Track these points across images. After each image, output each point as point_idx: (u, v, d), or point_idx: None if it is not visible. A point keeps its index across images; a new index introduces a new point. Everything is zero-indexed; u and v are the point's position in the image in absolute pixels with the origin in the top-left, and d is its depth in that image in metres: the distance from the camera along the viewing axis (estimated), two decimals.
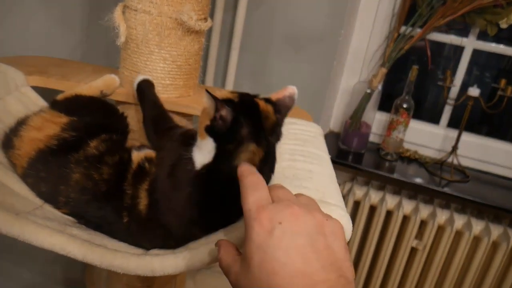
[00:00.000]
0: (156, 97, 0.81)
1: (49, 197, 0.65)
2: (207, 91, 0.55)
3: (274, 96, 0.62)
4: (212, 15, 1.47)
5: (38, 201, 0.65)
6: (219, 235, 0.56)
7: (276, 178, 0.58)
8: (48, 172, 0.65)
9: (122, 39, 0.80)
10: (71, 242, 0.55)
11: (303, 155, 0.66)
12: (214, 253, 0.53)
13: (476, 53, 1.54)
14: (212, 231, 0.60)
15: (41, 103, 0.84)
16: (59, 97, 0.79)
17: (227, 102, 0.58)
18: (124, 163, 0.66)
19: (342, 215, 0.52)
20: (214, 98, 0.55)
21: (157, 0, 0.78)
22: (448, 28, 1.51)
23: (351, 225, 0.52)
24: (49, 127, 0.69)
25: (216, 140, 0.58)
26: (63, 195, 0.64)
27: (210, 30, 1.49)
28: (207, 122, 0.58)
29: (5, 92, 0.79)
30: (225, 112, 0.56)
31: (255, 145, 0.57)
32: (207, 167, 0.59)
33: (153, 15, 0.78)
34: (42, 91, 0.88)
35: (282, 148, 0.68)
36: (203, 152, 0.59)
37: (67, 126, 0.69)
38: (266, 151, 0.58)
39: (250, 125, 0.58)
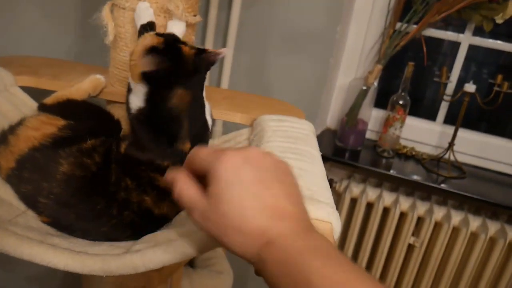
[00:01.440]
0: None
1: (30, 199, 0.65)
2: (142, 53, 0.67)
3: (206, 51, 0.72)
4: (206, 13, 1.46)
5: (22, 206, 0.65)
6: (194, 227, 0.55)
7: None
8: (33, 170, 0.66)
9: (110, 37, 0.80)
10: (51, 252, 0.54)
11: (294, 152, 0.65)
12: (195, 244, 0.52)
13: (473, 49, 1.53)
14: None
15: (31, 103, 0.84)
16: (48, 100, 0.79)
17: (154, 49, 0.68)
18: (112, 151, 0.71)
19: (331, 213, 0.52)
20: (146, 55, 0.66)
21: None
22: (445, 24, 1.50)
23: (340, 222, 0.51)
24: (46, 128, 0.71)
25: (149, 86, 0.69)
26: (44, 194, 0.64)
27: (204, 29, 1.48)
28: (141, 69, 0.68)
29: None
30: (160, 63, 0.67)
31: (183, 90, 0.69)
32: (141, 109, 0.70)
33: None
34: (33, 91, 0.87)
35: (273, 146, 0.67)
36: (137, 98, 0.71)
37: (64, 127, 0.71)
38: (192, 91, 0.70)
39: (175, 72, 0.68)
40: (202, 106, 0.75)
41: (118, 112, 0.87)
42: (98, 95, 0.86)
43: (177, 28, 0.79)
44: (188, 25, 0.79)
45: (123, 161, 0.71)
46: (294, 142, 0.69)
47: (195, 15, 0.82)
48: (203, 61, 0.71)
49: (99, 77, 0.85)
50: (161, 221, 0.70)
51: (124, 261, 0.54)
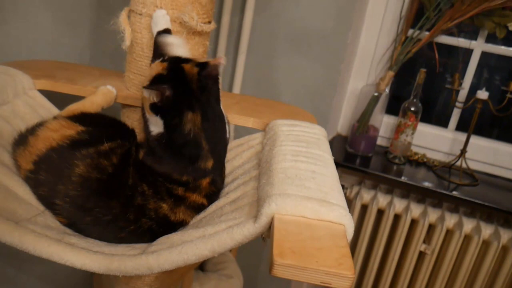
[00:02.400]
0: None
1: (47, 200, 0.67)
2: (144, 87, 0.69)
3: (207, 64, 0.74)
4: (219, 19, 1.48)
5: (40, 206, 0.67)
6: (208, 229, 0.56)
7: (278, 179, 0.58)
8: (50, 172, 0.68)
9: (127, 43, 0.81)
10: (69, 251, 0.56)
11: (306, 156, 0.66)
12: (209, 246, 0.53)
13: (485, 55, 1.53)
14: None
15: (48, 106, 0.86)
16: (63, 113, 0.81)
17: (158, 78, 0.71)
18: (130, 154, 0.74)
19: (343, 215, 0.52)
20: (151, 88, 0.69)
21: (162, 4, 0.79)
22: (457, 31, 1.50)
23: (353, 224, 0.52)
24: (65, 130, 0.73)
25: (161, 116, 0.71)
26: (60, 196, 0.65)
27: (217, 34, 1.50)
28: (148, 102, 0.71)
29: (13, 96, 0.80)
30: (164, 94, 0.69)
31: (191, 112, 0.70)
32: (161, 134, 0.73)
33: None
34: (50, 94, 0.89)
35: (285, 149, 0.68)
36: (155, 125, 0.73)
37: (82, 132, 0.73)
38: (202, 112, 0.71)
39: (181, 97, 0.70)
40: (220, 119, 0.76)
41: (133, 116, 0.89)
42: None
43: (160, 20, 0.80)
44: (203, 33, 0.81)
45: (141, 167, 0.72)
46: (306, 146, 0.70)
47: (209, 22, 0.83)
48: (207, 77, 0.72)
49: (111, 89, 0.87)
50: (178, 226, 0.71)
51: (139, 261, 0.55)
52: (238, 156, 0.80)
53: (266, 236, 0.54)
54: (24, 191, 0.66)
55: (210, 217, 0.66)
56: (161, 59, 0.75)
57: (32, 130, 0.73)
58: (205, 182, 0.72)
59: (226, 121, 0.78)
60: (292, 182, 0.57)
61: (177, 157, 0.72)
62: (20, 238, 0.55)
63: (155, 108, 0.71)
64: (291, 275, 0.45)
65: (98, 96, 0.85)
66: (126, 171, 0.71)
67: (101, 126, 0.79)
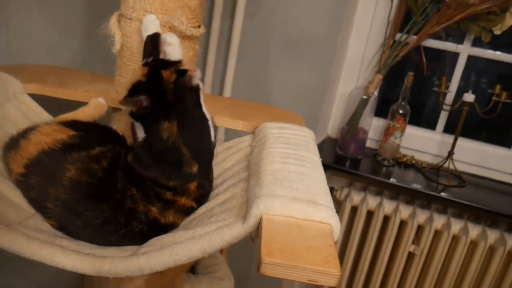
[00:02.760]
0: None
1: (37, 204, 0.67)
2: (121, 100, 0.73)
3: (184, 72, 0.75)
4: (209, 23, 1.49)
5: (31, 209, 0.67)
6: (198, 231, 0.57)
7: (267, 180, 0.59)
8: (41, 176, 0.68)
9: (117, 47, 0.82)
10: (60, 253, 0.57)
11: (295, 158, 0.67)
12: (200, 247, 0.54)
13: (472, 59, 1.55)
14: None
15: (39, 110, 0.86)
16: (56, 120, 0.82)
17: (137, 86, 0.73)
18: (120, 158, 0.75)
19: (330, 215, 0.54)
20: (125, 102, 0.73)
21: (151, 8, 0.80)
22: (445, 35, 1.53)
23: (339, 224, 0.53)
24: (57, 135, 0.74)
25: (141, 123, 0.74)
26: (51, 199, 0.66)
27: (208, 38, 1.51)
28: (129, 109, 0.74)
29: (4, 100, 0.81)
30: (139, 105, 0.72)
31: (167, 122, 0.72)
32: (144, 140, 0.74)
33: None
34: (41, 99, 0.90)
35: (274, 152, 0.69)
36: (139, 130, 0.75)
37: (74, 136, 0.74)
38: (178, 121, 0.73)
39: (157, 106, 0.72)
40: (201, 125, 0.77)
41: (124, 119, 0.90)
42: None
43: (150, 24, 0.81)
44: (192, 37, 0.82)
45: (129, 171, 0.73)
46: (295, 148, 0.71)
47: (199, 26, 0.84)
48: (182, 87, 0.74)
49: (102, 101, 0.88)
50: (168, 228, 0.72)
51: (130, 263, 0.55)
52: (228, 158, 0.81)
53: (254, 236, 0.55)
54: (14, 195, 0.67)
55: (200, 219, 0.67)
56: (145, 61, 0.77)
57: (24, 134, 0.73)
58: (192, 186, 0.73)
59: (210, 125, 0.79)
60: (281, 184, 0.58)
61: (161, 163, 0.73)
62: (12, 241, 0.55)
63: (134, 116, 0.74)
64: (279, 274, 0.46)
65: (90, 108, 0.87)
66: (116, 174, 0.72)
67: (92, 132, 0.80)
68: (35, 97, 0.89)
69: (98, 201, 0.69)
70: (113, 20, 0.83)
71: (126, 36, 0.84)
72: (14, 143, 0.72)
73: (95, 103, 0.88)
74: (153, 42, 0.79)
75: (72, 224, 0.67)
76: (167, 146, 0.72)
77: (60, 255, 0.55)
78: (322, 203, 0.55)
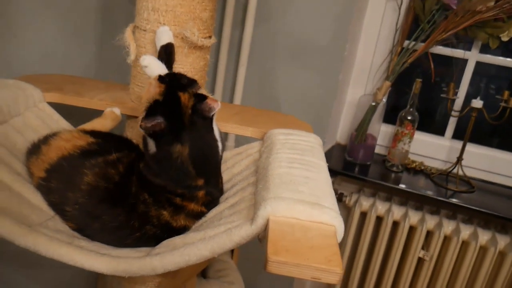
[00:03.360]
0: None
1: (57, 207, 0.71)
2: (140, 125, 0.73)
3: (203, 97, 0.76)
4: (220, 32, 1.53)
5: (51, 211, 0.71)
6: (208, 232, 0.60)
7: (274, 184, 0.62)
8: (60, 180, 0.72)
9: (132, 57, 0.86)
10: (79, 253, 0.60)
11: (301, 163, 0.70)
12: (209, 247, 0.57)
13: (481, 64, 1.56)
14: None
15: (57, 117, 0.90)
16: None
17: (154, 106, 0.74)
18: (134, 164, 0.77)
19: (334, 217, 0.56)
20: (145, 127, 0.73)
21: (165, 20, 0.83)
22: (456, 41, 1.54)
23: (343, 225, 0.56)
24: (77, 141, 0.77)
25: (154, 139, 0.75)
26: (70, 203, 0.69)
27: (218, 47, 1.55)
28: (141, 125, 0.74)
29: (25, 108, 0.85)
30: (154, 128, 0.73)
31: (180, 145, 0.73)
32: (155, 154, 0.76)
33: None
34: (58, 107, 0.94)
35: (281, 157, 0.72)
36: (151, 144, 0.76)
37: (92, 143, 0.77)
38: (190, 144, 0.74)
39: (173, 130, 0.73)
40: (211, 148, 0.79)
41: (137, 126, 0.93)
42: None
43: (164, 35, 0.84)
44: (203, 47, 0.85)
45: (142, 176, 0.76)
46: (301, 153, 0.73)
47: (210, 37, 0.88)
48: (199, 114, 0.75)
49: (116, 111, 0.91)
50: (180, 231, 0.75)
51: (144, 263, 0.58)
52: (237, 164, 0.84)
53: (262, 237, 0.57)
54: (35, 198, 0.70)
55: (210, 221, 0.70)
56: (159, 77, 0.77)
57: (45, 140, 0.77)
58: (200, 193, 0.76)
59: (219, 144, 0.80)
60: (287, 187, 0.61)
61: (169, 176, 0.76)
62: (34, 241, 0.58)
63: (149, 134, 0.75)
64: (285, 271, 0.48)
65: (106, 118, 0.91)
66: (131, 179, 0.75)
67: (109, 140, 0.84)
68: (53, 105, 0.93)
69: (114, 205, 0.72)
70: (128, 31, 0.87)
71: (140, 47, 0.88)
72: (35, 149, 0.76)
73: (111, 114, 0.91)
74: (166, 52, 0.83)
75: (89, 227, 0.70)
76: (175, 165, 0.74)
77: (78, 254, 0.59)
78: (326, 205, 0.57)
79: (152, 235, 0.72)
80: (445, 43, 1.54)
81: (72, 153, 0.74)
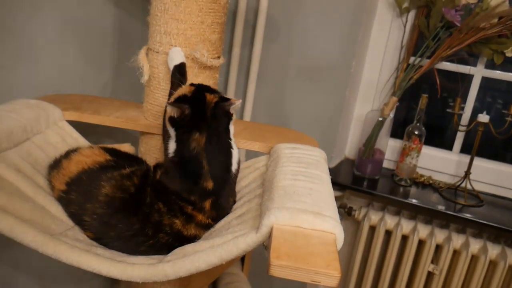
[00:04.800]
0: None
1: (76, 217, 0.76)
2: (169, 101, 0.81)
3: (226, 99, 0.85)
4: (230, 51, 1.58)
5: (71, 222, 0.76)
6: (217, 240, 0.63)
7: (278, 195, 0.66)
8: (80, 192, 0.77)
9: (145, 77, 0.91)
10: (95, 260, 0.64)
11: (305, 175, 0.73)
12: (218, 255, 0.60)
13: (488, 79, 1.59)
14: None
15: (76, 135, 0.96)
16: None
17: (182, 97, 0.82)
18: (148, 176, 0.83)
19: (335, 225, 0.59)
20: (173, 103, 0.80)
21: (176, 43, 0.89)
22: (459, 57, 1.57)
23: (343, 234, 0.59)
24: (96, 157, 0.83)
25: (175, 129, 0.82)
26: (89, 213, 0.74)
27: (228, 65, 1.60)
28: (169, 114, 0.82)
29: (46, 126, 0.91)
30: (179, 114, 0.80)
31: (198, 134, 0.80)
32: (174, 152, 0.83)
33: None
34: (76, 124, 0.99)
35: (286, 170, 0.76)
36: (171, 143, 0.83)
37: (110, 160, 0.83)
38: (207, 135, 0.81)
39: (195, 118, 0.81)
40: (225, 149, 0.85)
41: (151, 142, 0.98)
42: None
43: (176, 55, 0.91)
44: (213, 67, 0.90)
45: (157, 187, 0.81)
46: (306, 167, 0.77)
47: (219, 57, 0.93)
48: (219, 109, 0.83)
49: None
50: (191, 240, 0.79)
51: (157, 269, 0.62)
52: (245, 177, 0.88)
53: (266, 244, 0.61)
54: (56, 209, 0.75)
55: (219, 231, 0.74)
56: (191, 83, 0.87)
57: (66, 155, 0.83)
58: (207, 204, 0.80)
59: (234, 153, 0.86)
60: (291, 198, 0.64)
61: (185, 175, 0.81)
62: (54, 249, 0.63)
63: (173, 121, 0.82)
64: (286, 275, 0.52)
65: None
66: (145, 190, 0.80)
67: (124, 157, 0.90)
68: (72, 123, 0.99)
69: (130, 214, 0.76)
70: (142, 53, 0.92)
71: (153, 68, 0.93)
72: (57, 163, 0.82)
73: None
74: (179, 71, 0.89)
75: (106, 236, 0.75)
76: (191, 156, 0.80)
77: (96, 261, 0.63)
78: (327, 215, 0.61)
79: (164, 243, 0.76)
80: (450, 59, 1.57)
81: (91, 168, 0.79)
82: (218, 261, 0.61)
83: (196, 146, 0.80)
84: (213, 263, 0.61)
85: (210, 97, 0.82)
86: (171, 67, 0.89)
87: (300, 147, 0.87)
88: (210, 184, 0.80)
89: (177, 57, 0.89)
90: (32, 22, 1.03)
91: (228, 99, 0.83)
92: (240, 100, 0.85)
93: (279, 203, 0.63)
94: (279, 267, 0.52)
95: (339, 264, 0.52)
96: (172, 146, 0.83)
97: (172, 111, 0.80)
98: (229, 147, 0.85)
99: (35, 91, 1.08)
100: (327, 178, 0.76)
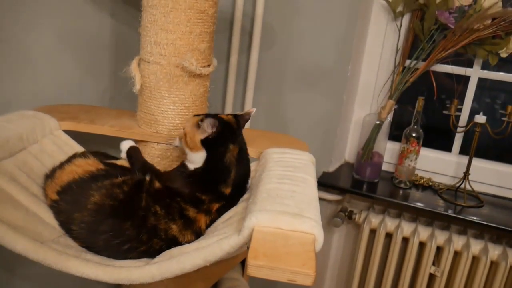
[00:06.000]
0: (143, 159, 1.01)
1: (65, 226, 0.79)
2: (205, 116, 0.86)
3: (239, 114, 0.93)
4: (228, 58, 1.61)
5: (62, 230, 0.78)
6: (202, 243, 0.65)
7: (261, 198, 0.68)
8: (68, 202, 0.79)
9: (137, 86, 0.94)
10: (84, 265, 0.67)
11: (290, 179, 0.75)
12: (203, 257, 0.62)
13: (484, 80, 1.59)
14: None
15: (72, 143, 0.98)
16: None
17: (208, 114, 0.85)
18: (143, 184, 0.85)
19: (314, 226, 0.61)
20: (206, 119, 0.85)
21: (166, 52, 0.91)
22: (457, 58, 1.57)
23: (322, 234, 0.60)
24: (88, 167, 0.85)
25: (207, 149, 0.85)
26: (76, 222, 0.77)
27: (226, 72, 1.63)
28: (200, 137, 0.86)
29: (42, 136, 0.93)
30: (217, 124, 0.85)
31: (233, 145, 0.86)
32: (197, 169, 0.87)
33: (163, 65, 0.92)
34: (73, 134, 1.02)
35: (272, 174, 0.78)
36: (195, 162, 0.87)
37: (101, 170, 0.86)
38: (239, 146, 0.87)
39: (227, 133, 0.86)
40: (247, 159, 0.91)
41: (144, 150, 1.00)
42: None
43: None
44: (202, 75, 0.93)
45: (155, 193, 0.82)
46: (292, 170, 0.79)
47: (209, 65, 0.95)
48: (242, 120, 0.91)
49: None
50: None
51: (144, 271, 0.64)
52: None
53: (249, 245, 0.62)
54: (49, 217, 0.78)
55: (206, 234, 0.76)
56: (194, 115, 0.93)
57: (61, 165, 0.86)
58: (215, 207, 0.82)
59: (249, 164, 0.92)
60: (273, 200, 0.66)
61: (208, 181, 0.85)
62: (44, 256, 0.65)
63: (205, 141, 0.85)
64: (263, 274, 0.53)
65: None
66: (139, 196, 0.81)
67: (117, 167, 0.93)
68: (69, 132, 1.02)
69: (122, 219, 0.78)
70: (134, 64, 0.95)
71: (145, 77, 0.96)
72: (52, 173, 0.85)
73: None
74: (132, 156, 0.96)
75: (94, 245, 0.76)
76: (224, 166, 0.85)
77: (84, 267, 0.65)
78: (307, 216, 0.62)
79: (158, 249, 0.78)
80: (446, 61, 1.58)
81: (81, 177, 0.81)
82: (203, 262, 0.63)
83: (230, 156, 0.85)
84: (198, 265, 0.63)
85: (224, 116, 0.88)
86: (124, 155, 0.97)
87: (289, 151, 0.89)
88: (228, 190, 0.84)
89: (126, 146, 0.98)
90: (29, 34, 1.06)
91: (238, 115, 0.91)
92: (255, 109, 0.94)
93: (261, 205, 0.64)
94: (256, 267, 0.53)
95: (315, 264, 0.53)
96: (192, 166, 0.87)
97: (206, 127, 0.84)
98: (248, 156, 0.91)
99: (34, 101, 1.11)
100: (312, 181, 0.77)
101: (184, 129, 0.88)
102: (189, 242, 0.80)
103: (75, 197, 0.79)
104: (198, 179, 0.85)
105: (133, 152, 0.97)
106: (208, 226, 0.82)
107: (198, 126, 0.85)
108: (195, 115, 0.90)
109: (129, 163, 0.96)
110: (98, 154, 0.96)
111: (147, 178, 0.87)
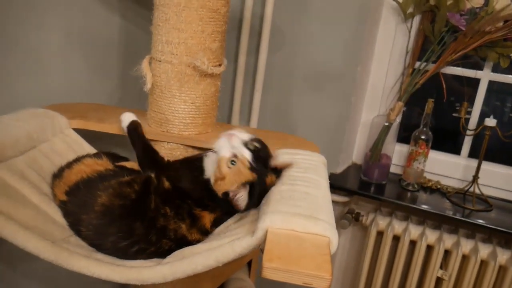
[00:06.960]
0: (145, 139, 0.97)
1: (74, 227, 0.78)
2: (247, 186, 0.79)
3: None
4: (236, 59, 1.60)
5: None
6: (214, 243, 0.64)
7: (274, 199, 0.67)
8: (76, 203, 0.78)
9: (148, 85, 0.94)
10: (96, 265, 0.66)
11: (303, 180, 0.74)
12: (215, 257, 0.61)
13: (495, 83, 1.57)
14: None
15: (81, 141, 0.98)
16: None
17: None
18: (150, 184, 0.83)
19: (328, 228, 0.60)
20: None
21: (177, 51, 0.91)
22: (470, 61, 1.56)
23: (337, 236, 0.60)
24: (96, 167, 0.84)
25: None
26: (84, 224, 0.76)
27: (235, 73, 1.62)
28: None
29: (52, 134, 0.93)
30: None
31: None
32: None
33: (174, 65, 0.91)
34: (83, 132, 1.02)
35: (285, 175, 0.77)
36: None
37: (110, 169, 0.85)
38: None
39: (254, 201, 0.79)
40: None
41: (155, 147, 1.00)
42: None
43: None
44: (214, 75, 0.92)
45: (165, 194, 0.81)
46: (304, 171, 0.78)
47: (220, 65, 0.94)
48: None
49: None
50: (193, 245, 0.80)
51: (155, 271, 0.64)
52: None
53: (262, 247, 0.62)
54: (59, 216, 0.78)
55: (217, 234, 0.75)
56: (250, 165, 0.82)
57: (69, 164, 0.85)
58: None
59: None
60: (286, 202, 0.65)
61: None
62: (56, 255, 0.65)
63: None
64: (278, 277, 0.53)
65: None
66: (148, 197, 0.81)
67: (126, 169, 0.91)
68: (79, 131, 1.01)
69: (132, 220, 0.77)
70: (145, 62, 0.95)
71: (156, 76, 0.95)
72: (60, 173, 0.84)
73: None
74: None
75: (104, 246, 0.76)
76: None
77: (95, 266, 0.65)
78: (321, 218, 0.62)
79: (167, 249, 0.77)
80: (456, 63, 1.57)
81: (89, 177, 0.81)
82: (215, 263, 0.62)
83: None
84: (210, 265, 0.63)
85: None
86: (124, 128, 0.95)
87: (300, 152, 0.88)
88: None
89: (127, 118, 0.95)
90: (38, 33, 1.06)
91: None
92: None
93: (275, 207, 0.64)
94: (271, 269, 0.53)
95: (331, 267, 0.52)
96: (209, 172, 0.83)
97: (238, 201, 0.79)
98: None
99: (43, 100, 1.11)
100: (324, 183, 0.76)
101: (224, 172, 0.80)
102: (195, 240, 0.79)
103: (82, 198, 0.79)
104: (212, 189, 0.81)
105: (134, 128, 0.94)
106: (212, 224, 0.81)
107: (236, 189, 0.79)
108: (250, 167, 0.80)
109: (130, 139, 0.94)
110: (108, 154, 0.95)
111: (153, 175, 0.85)
